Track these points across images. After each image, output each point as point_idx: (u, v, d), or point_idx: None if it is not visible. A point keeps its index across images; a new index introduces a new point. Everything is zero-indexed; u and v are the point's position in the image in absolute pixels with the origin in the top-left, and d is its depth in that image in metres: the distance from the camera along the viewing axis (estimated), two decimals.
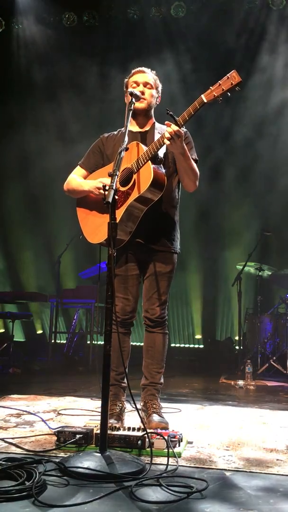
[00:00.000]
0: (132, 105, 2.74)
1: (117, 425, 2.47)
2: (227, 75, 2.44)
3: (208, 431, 2.72)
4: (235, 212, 7.66)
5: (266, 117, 7.40)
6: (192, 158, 2.81)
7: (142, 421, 2.45)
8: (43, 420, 2.87)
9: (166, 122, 2.59)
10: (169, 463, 2.07)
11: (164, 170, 2.77)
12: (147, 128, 2.96)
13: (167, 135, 2.55)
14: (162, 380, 2.93)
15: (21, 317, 6.76)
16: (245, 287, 6.93)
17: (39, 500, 1.63)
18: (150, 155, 2.64)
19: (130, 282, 2.88)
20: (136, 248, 2.86)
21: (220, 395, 4.35)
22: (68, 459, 2.01)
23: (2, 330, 8.52)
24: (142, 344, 2.98)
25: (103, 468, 1.90)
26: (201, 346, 8.22)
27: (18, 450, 2.25)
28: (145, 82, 2.90)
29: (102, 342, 2.20)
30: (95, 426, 2.34)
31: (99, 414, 2.11)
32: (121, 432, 2.25)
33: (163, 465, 2.06)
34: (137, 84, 2.90)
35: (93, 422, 2.70)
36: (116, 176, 2.26)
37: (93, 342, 6.50)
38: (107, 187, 2.23)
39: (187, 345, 8.33)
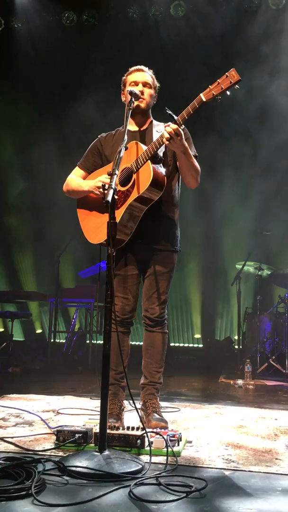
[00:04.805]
0: (132, 104, 2.73)
1: (117, 424, 2.47)
2: (226, 73, 2.41)
3: (207, 431, 2.72)
4: (235, 211, 7.66)
5: (269, 110, 7.34)
6: (192, 154, 2.81)
7: (141, 420, 2.45)
8: (42, 420, 2.87)
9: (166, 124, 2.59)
10: (168, 462, 2.07)
11: (163, 170, 2.76)
12: (145, 127, 2.96)
13: (166, 134, 2.55)
14: (161, 380, 2.93)
15: (21, 316, 6.78)
16: (244, 287, 6.93)
17: (38, 500, 1.63)
18: (149, 154, 2.64)
19: (129, 281, 2.87)
20: (136, 248, 2.85)
21: (220, 394, 4.36)
22: (67, 458, 2.01)
23: (2, 330, 8.52)
24: (141, 343, 2.98)
25: (102, 467, 1.90)
26: (201, 345, 8.22)
27: (17, 449, 2.25)
28: (144, 82, 2.90)
29: (102, 342, 2.19)
30: (95, 425, 2.34)
31: (99, 413, 2.11)
32: (120, 431, 2.25)
33: (162, 464, 2.06)
34: (136, 83, 2.89)
35: (93, 421, 2.71)
36: (116, 176, 2.26)
37: (93, 341, 6.50)
38: (106, 186, 2.22)
39: (186, 345, 8.34)
